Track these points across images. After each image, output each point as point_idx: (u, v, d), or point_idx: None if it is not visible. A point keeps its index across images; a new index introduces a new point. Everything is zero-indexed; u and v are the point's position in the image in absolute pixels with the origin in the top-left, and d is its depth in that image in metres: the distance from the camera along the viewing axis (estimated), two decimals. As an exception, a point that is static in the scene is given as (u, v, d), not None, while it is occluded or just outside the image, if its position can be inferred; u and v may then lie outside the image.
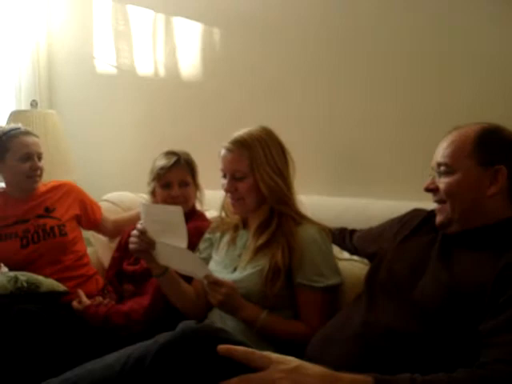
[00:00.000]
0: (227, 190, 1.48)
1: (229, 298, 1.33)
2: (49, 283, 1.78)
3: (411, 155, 1.87)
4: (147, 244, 1.46)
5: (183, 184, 1.82)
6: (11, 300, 1.62)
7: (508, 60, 1.72)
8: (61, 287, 1.81)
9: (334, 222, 1.62)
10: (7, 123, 2.54)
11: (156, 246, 1.45)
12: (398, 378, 0.86)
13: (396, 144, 1.93)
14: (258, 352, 0.90)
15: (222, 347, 0.91)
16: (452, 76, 1.81)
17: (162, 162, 1.81)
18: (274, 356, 0.90)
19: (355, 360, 1.07)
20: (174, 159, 1.80)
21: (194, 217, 1.87)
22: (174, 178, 1.81)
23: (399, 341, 1.06)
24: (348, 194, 1.94)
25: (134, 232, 1.48)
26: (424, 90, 1.87)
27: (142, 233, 1.46)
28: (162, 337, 0.98)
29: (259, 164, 1.44)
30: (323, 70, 2.09)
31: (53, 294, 1.77)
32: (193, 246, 1.63)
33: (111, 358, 1.06)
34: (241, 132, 1.49)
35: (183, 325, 1.01)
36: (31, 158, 1.95)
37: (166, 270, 1.50)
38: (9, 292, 1.67)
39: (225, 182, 1.49)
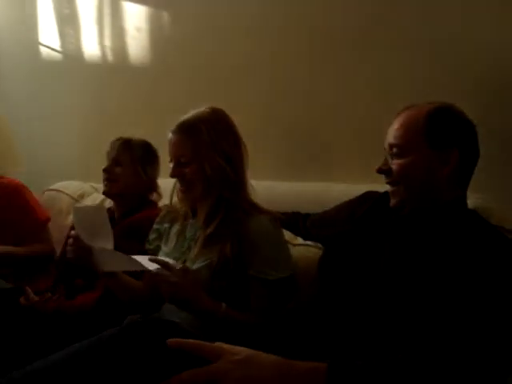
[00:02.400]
0: (173, 176, 1.42)
1: (179, 288, 1.23)
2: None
3: (367, 137, 1.85)
4: (83, 251, 1.38)
5: (115, 163, 1.83)
6: None
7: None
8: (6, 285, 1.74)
9: (288, 208, 1.60)
10: None
11: (93, 252, 1.37)
12: (352, 364, 0.84)
13: (351, 125, 1.93)
14: (208, 344, 0.86)
15: (171, 341, 0.87)
16: (406, 54, 1.81)
17: None
18: (226, 347, 0.87)
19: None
20: (117, 139, 1.85)
21: (145, 206, 1.84)
22: (109, 155, 1.85)
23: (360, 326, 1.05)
24: (302, 179, 1.92)
25: (70, 240, 1.42)
26: (380, 68, 1.86)
27: (76, 239, 1.39)
28: (107, 333, 0.94)
29: (204, 148, 1.37)
30: (275, 49, 2.06)
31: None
32: (143, 236, 1.59)
33: (56, 356, 1.01)
34: (188, 115, 1.43)
35: (128, 320, 0.97)
36: None
37: (112, 272, 1.42)
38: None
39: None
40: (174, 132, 1.41)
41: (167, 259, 1.31)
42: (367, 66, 1.89)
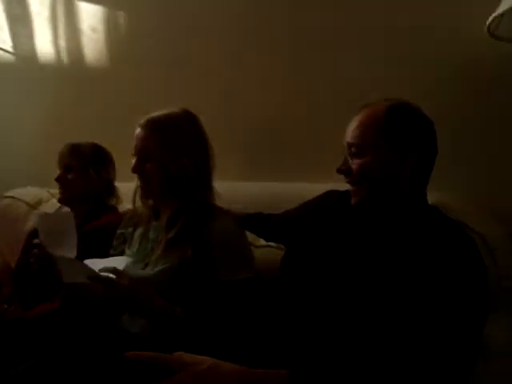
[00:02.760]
0: (133, 170, 1.38)
1: (129, 291, 1.21)
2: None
3: (327, 136, 1.82)
4: (47, 260, 1.33)
5: (66, 169, 1.80)
6: None
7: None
8: None
9: (250, 208, 1.58)
10: None
11: (57, 262, 1.30)
12: (312, 370, 0.83)
13: (310, 124, 1.92)
14: (167, 356, 0.84)
15: (129, 354, 0.84)
16: (365, 52, 1.82)
17: None
18: (187, 357, 0.84)
19: None
20: (67, 144, 1.81)
21: (105, 211, 1.80)
22: (60, 163, 1.81)
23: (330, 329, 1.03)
24: (264, 179, 1.90)
25: (34, 250, 1.37)
26: (338, 67, 1.86)
27: (40, 248, 1.35)
28: (65, 346, 0.90)
29: (170, 147, 1.34)
30: (234, 49, 2.05)
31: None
32: (107, 241, 1.55)
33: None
34: (159, 112, 1.40)
35: (85, 331, 0.93)
36: None
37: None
38: None
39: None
40: (141, 126, 1.38)
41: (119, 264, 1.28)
42: (326, 65, 1.90)
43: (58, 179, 1.80)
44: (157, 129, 1.36)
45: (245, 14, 2.02)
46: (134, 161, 1.39)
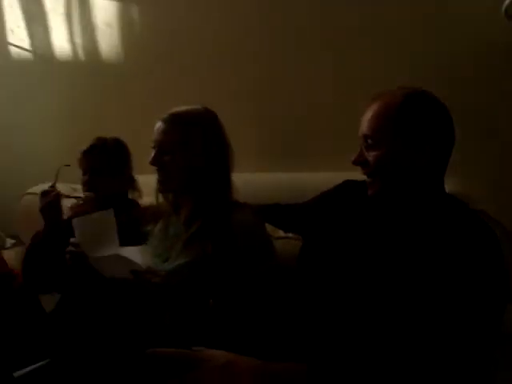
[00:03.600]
0: (152, 163, 1.40)
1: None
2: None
3: (343, 125, 1.79)
4: (81, 258, 1.38)
5: (94, 171, 1.77)
6: None
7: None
8: None
9: (268, 200, 1.58)
10: None
11: (93, 261, 1.37)
12: (330, 365, 0.83)
13: (331, 113, 1.91)
14: (186, 352, 0.85)
15: (149, 351, 0.86)
16: (379, 40, 1.80)
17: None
18: (204, 353, 0.85)
19: None
20: (88, 145, 1.77)
21: (126, 206, 1.79)
22: (85, 165, 1.78)
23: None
24: (282, 169, 1.90)
25: (69, 248, 1.41)
26: (362, 55, 1.85)
27: (75, 246, 1.39)
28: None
29: (191, 142, 1.37)
30: (252, 37, 2.04)
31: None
32: (131, 239, 1.57)
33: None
34: (181, 108, 1.42)
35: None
36: None
37: None
38: None
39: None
40: (164, 120, 1.40)
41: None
42: (338, 54, 1.88)
43: (86, 183, 1.78)
44: (178, 123, 1.38)
45: (265, 9, 2.00)
46: (152, 154, 1.41)
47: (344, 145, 1.56)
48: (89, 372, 0.96)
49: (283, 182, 1.80)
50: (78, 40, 2.47)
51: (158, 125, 1.41)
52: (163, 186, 1.44)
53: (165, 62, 2.24)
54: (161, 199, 1.52)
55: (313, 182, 1.67)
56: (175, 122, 1.38)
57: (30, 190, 2.36)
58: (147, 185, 1.62)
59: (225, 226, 1.33)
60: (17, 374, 1.21)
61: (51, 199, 1.70)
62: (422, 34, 1.75)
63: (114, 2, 2.35)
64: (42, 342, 1.48)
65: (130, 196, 1.86)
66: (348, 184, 1.37)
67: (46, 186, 2.32)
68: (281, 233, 1.51)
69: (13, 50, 2.70)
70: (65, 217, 1.75)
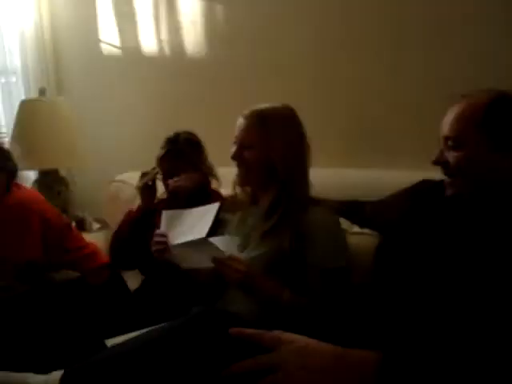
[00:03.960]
0: (233, 157, 1.47)
1: (247, 275, 1.32)
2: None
3: (426, 123, 1.77)
4: (167, 246, 1.46)
5: (172, 175, 1.82)
6: None
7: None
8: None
9: (346, 196, 1.59)
10: (17, 113, 2.56)
11: (175, 249, 1.44)
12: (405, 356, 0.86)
13: (414, 110, 1.89)
14: (268, 333, 0.91)
15: (233, 330, 0.92)
16: (482, 40, 1.76)
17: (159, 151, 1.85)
18: (284, 336, 0.91)
19: None
20: (165, 149, 1.84)
21: (209, 199, 1.81)
22: (165, 168, 1.84)
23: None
24: (360, 166, 1.91)
25: (156, 238, 1.50)
26: (446, 53, 1.82)
27: (163, 236, 1.48)
28: (176, 322, 1.01)
29: (272, 138, 1.42)
30: (336, 37, 2.05)
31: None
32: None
33: (132, 342, 1.10)
34: (261, 105, 1.48)
35: (196, 309, 1.03)
36: None
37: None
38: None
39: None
40: (245, 117, 1.46)
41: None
42: (429, 53, 1.85)
43: (167, 175, 1.83)
44: (260, 120, 1.44)
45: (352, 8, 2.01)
46: (233, 149, 1.48)
47: (424, 144, 1.56)
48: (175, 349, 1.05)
49: (359, 179, 1.81)
50: (165, 37, 2.59)
51: (240, 121, 1.47)
52: (243, 180, 1.51)
53: (248, 58, 2.29)
54: (238, 191, 1.59)
55: (392, 180, 1.67)
56: (257, 119, 1.44)
57: (117, 178, 2.52)
58: (227, 177, 1.69)
59: (301, 223, 1.38)
60: (108, 341, 1.33)
61: (149, 179, 1.82)
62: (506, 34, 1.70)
63: (199, 1, 2.44)
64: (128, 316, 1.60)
65: (211, 187, 1.92)
66: (426, 183, 1.37)
67: (132, 175, 2.49)
68: (356, 228, 1.54)
69: (104, 46, 2.88)
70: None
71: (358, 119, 2.03)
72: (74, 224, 2.45)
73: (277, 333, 0.92)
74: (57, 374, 1.15)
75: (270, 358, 0.88)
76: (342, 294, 1.34)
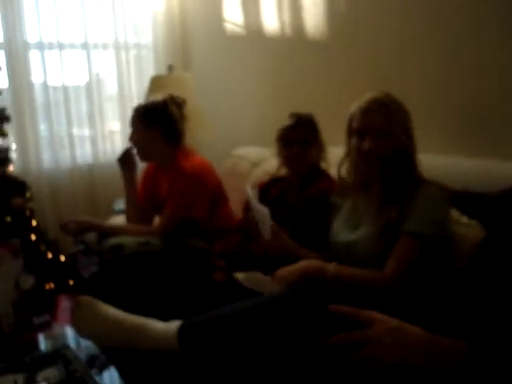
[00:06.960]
0: (369, 150, 1.48)
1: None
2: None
3: None
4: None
5: (303, 142, 1.87)
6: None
7: None
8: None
9: (455, 185, 1.58)
10: (148, 88, 2.80)
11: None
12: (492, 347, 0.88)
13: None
14: (363, 311, 0.99)
15: (332, 306, 1.02)
16: None
17: (285, 123, 1.91)
18: (377, 315, 0.99)
19: None
20: (294, 119, 1.89)
21: (317, 177, 1.91)
22: (295, 137, 1.88)
23: None
24: (472, 154, 1.84)
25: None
26: None
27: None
28: (284, 291, 1.13)
29: (396, 125, 1.47)
30: (446, 22, 1.98)
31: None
32: (314, 209, 1.76)
33: (240, 306, 1.25)
34: (374, 93, 1.51)
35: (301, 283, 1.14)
36: None
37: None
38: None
39: (357, 142, 1.51)
40: (371, 108, 1.49)
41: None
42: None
43: (292, 156, 1.89)
44: (385, 108, 1.47)
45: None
46: (355, 141, 1.51)
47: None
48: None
49: (473, 169, 1.76)
50: (286, 18, 2.67)
51: (363, 112, 1.49)
52: (372, 169, 1.52)
53: (369, 41, 2.28)
54: (343, 173, 1.63)
55: (505, 172, 1.63)
56: (382, 107, 1.48)
57: (233, 153, 2.68)
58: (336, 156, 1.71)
59: (412, 199, 1.44)
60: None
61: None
62: None
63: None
64: None
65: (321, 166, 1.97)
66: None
67: (249, 150, 2.62)
68: (464, 219, 1.53)
69: (228, 26, 3.04)
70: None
71: (470, 101, 1.95)
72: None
73: (370, 312, 1.01)
74: (175, 324, 1.28)
75: (365, 334, 0.96)
76: (439, 270, 1.37)
